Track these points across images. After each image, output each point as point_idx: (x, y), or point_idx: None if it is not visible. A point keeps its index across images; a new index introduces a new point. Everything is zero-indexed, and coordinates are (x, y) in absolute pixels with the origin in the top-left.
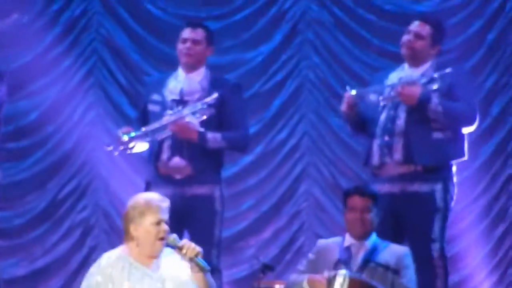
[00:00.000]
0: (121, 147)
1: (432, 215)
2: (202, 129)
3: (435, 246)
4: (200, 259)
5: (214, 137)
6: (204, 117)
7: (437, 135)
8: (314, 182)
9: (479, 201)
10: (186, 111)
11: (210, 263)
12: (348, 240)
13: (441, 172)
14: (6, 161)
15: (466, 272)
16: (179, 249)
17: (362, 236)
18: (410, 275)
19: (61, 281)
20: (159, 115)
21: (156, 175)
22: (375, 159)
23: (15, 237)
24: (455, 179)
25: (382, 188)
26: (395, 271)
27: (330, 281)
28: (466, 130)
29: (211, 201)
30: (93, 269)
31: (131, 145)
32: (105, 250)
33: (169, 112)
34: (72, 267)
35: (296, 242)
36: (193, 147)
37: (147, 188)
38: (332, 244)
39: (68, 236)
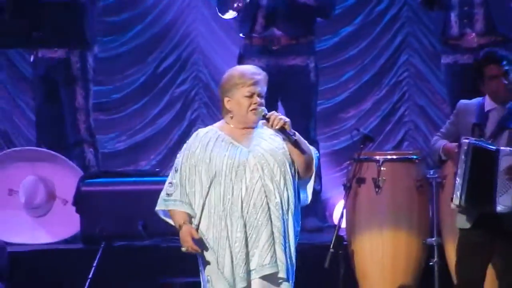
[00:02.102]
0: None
1: None
2: None
3: None
4: (286, 131)
5: None
6: None
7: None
8: (414, 52)
9: None
10: None
11: (308, 135)
12: (489, 104)
13: None
14: (106, 34)
15: None
16: (266, 120)
17: (506, 101)
18: None
19: (161, 154)
20: None
21: (250, 47)
22: (455, 30)
23: (114, 111)
24: None
25: (461, 58)
26: None
27: (458, 148)
28: None
29: (306, 72)
30: (186, 143)
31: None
32: (205, 122)
33: None
34: (172, 140)
35: (396, 113)
36: (288, 16)
37: (240, 61)
38: (471, 105)
39: (168, 109)
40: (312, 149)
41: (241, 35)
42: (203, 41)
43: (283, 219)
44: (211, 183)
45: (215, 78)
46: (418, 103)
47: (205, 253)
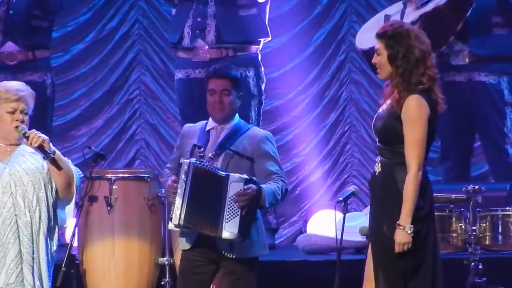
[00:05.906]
0: None
1: (248, 101)
2: None
3: None
4: (45, 149)
5: None
6: None
7: (243, 12)
8: (145, 69)
9: (312, 88)
10: None
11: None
12: (210, 124)
13: (251, 59)
14: None
15: (298, 160)
16: (26, 138)
17: (222, 120)
18: (269, 160)
19: None
20: None
21: None
22: (187, 41)
23: None
24: (262, 69)
25: (193, 73)
26: (250, 158)
27: (177, 170)
28: None
29: (43, 88)
30: None
31: None
32: None
33: None
34: None
35: (128, 131)
36: (25, 30)
37: None
38: (195, 128)
39: None
40: (75, 170)
41: None
42: None
43: (33, 239)
44: None
45: None
46: (149, 121)
47: None
